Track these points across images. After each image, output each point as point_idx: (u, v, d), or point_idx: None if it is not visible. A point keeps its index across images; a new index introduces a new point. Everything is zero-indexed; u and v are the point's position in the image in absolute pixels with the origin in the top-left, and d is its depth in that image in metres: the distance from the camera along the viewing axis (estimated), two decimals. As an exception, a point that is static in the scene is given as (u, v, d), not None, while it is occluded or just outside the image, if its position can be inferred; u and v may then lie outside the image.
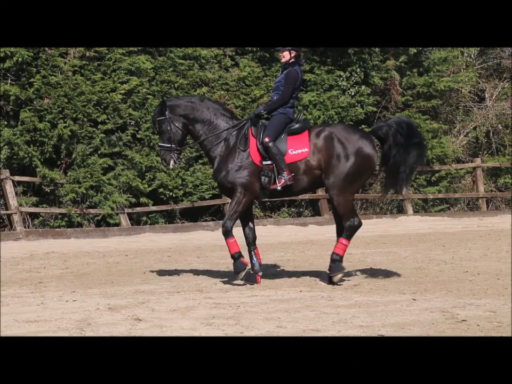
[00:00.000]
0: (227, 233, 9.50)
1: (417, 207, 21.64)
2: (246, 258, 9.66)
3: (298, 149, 9.48)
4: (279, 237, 16.34)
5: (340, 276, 9.40)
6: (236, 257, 9.49)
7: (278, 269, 11.01)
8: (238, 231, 9.75)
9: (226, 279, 9.80)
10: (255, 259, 9.63)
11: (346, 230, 9.47)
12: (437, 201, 22.02)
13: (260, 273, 9.58)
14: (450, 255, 12.23)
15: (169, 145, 9.64)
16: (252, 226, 9.78)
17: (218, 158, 9.64)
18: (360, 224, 9.51)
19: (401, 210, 21.19)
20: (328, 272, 9.46)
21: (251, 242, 9.71)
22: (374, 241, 14.66)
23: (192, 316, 7.39)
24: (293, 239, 15.94)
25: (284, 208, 20.08)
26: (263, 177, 9.46)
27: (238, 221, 9.66)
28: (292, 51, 9.64)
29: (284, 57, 9.71)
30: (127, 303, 8.06)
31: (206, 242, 15.23)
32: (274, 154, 9.39)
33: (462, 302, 7.99)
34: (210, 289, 9.12)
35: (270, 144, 9.39)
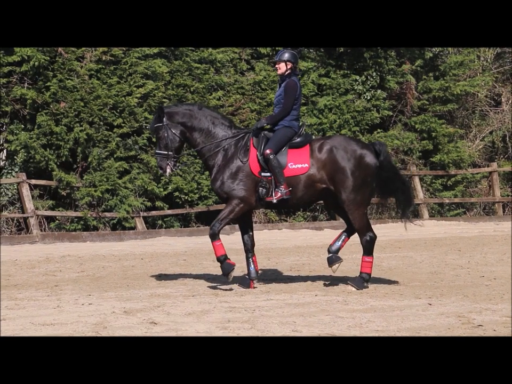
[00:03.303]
0: (214, 236, 9.48)
1: (433, 211, 21.57)
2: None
3: (298, 164, 9.47)
4: (294, 241, 16.32)
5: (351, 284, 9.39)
6: (222, 259, 9.47)
7: (293, 273, 10.99)
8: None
9: (239, 283, 9.79)
10: (252, 266, 9.65)
11: (364, 247, 9.52)
12: (453, 205, 21.94)
13: (255, 280, 9.60)
14: (466, 260, 12.19)
15: (166, 152, 9.64)
16: (250, 233, 9.78)
17: (216, 167, 9.64)
18: (375, 238, 9.51)
19: (417, 215, 21.13)
20: (355, 287, 9.36)
21: (249, 249, 9.71)
22: (390, 246, 14.62)
23: (207, 319, 7.39)
24: (308, 243, 15.92)
25: (299, 212, 20.06)
26: (260, 188, 9.46)
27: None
28: (288, 62, 9.60)
29: (279, 68, 9.66)
30: (142, 307, 8.07)
31: (221, 246, 15.18)
32: (274, 167, 9.37)
33: (478, 307, 7.96)
34: (225, 293, 9.13)
35: (271, 156, 9.37)
